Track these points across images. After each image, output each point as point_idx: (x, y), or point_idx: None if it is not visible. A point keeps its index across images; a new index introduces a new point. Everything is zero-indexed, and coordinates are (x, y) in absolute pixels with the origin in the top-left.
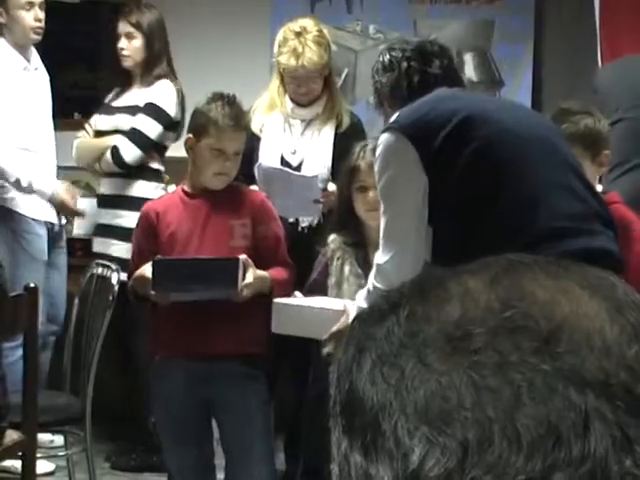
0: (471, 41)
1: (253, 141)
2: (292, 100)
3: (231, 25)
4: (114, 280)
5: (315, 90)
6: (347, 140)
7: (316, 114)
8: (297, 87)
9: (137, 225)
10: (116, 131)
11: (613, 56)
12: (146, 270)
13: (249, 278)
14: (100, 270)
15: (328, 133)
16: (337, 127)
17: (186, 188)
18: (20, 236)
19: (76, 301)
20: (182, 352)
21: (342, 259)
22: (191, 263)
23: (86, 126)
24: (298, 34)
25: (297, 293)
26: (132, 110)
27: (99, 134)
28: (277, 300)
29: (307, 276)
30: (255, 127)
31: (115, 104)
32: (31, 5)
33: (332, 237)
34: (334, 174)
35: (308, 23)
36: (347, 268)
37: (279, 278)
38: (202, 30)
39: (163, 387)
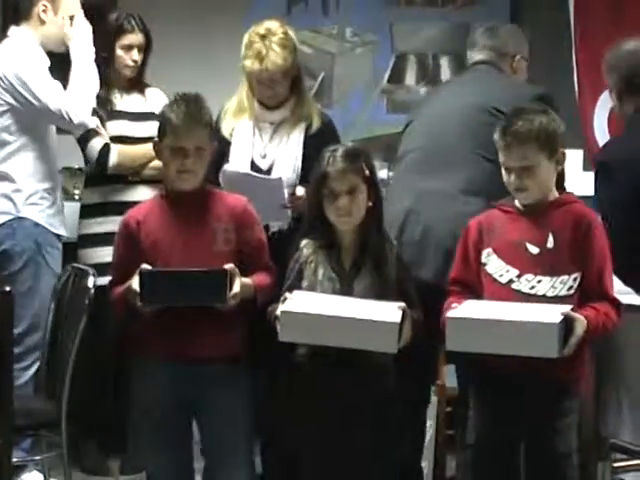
0: (447, 45)
1: (223, 146)
2: (260, 103)
3: (207, 28)
4: (90, 284)
5: (281, 93)
6: (318, 141)
7: (284, 117)
8: (263, 90)
9: (118, 234)
10: (150, 138)
11: (587, 57)
12: (133, 282)
13: (236, 288)
14: (75, 274)
15: (297, 136)
16: (307, 129)
17: (163, 194)
18: (44, 250)
19: (52, 305)
20: (165, 354)
21: (315, 262)
22: (177, 275)
23: (101, 130)
24: (263, 37)
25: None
26: (153, 117)
27: (125, 140)
28: (286, 309)
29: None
30: (225, 132)
31: (132, 110)
32: (71, 18)
33: (304, 242)
34: (305, 176)
35: (273, 25)
36: (321, 272)
37: (262, 284)
38: (177, 32)
39: (144, 389)
